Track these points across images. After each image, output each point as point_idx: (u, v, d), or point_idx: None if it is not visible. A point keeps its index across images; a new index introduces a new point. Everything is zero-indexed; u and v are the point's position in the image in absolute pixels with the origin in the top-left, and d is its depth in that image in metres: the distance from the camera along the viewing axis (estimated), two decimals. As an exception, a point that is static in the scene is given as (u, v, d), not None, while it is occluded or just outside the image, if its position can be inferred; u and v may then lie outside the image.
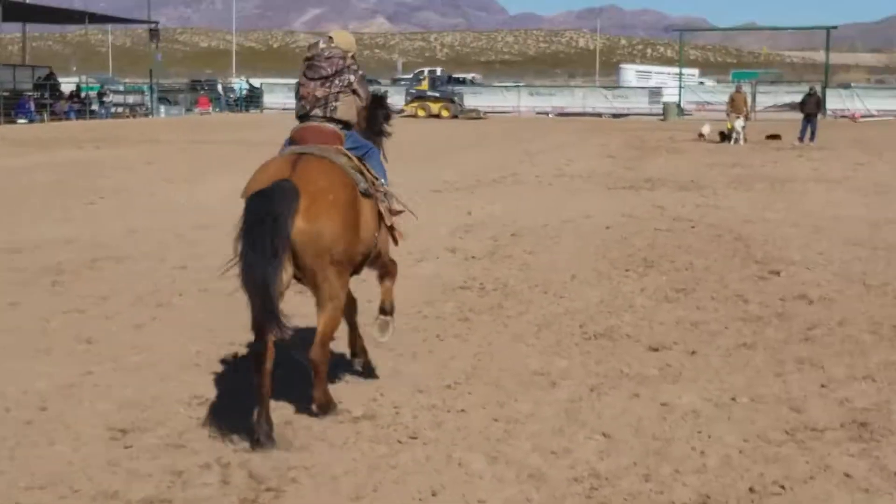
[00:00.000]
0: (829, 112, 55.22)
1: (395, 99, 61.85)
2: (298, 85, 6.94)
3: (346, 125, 6.83)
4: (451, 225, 15.07)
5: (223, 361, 7.73)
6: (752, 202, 18.15)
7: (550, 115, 60.37)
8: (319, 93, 6.77)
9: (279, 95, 65.85)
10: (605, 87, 64.54)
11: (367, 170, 6.75)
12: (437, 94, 58.24)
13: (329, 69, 6.81)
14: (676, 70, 73.90)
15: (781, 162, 27.03)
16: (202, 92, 68.32)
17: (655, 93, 60.75)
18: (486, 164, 26.12)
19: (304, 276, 6.19)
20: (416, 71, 75.61)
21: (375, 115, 7.40)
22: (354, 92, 6.89)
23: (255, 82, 75.39)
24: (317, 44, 7.09)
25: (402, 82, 70.12)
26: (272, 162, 6.47)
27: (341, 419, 6.36)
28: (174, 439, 6.05)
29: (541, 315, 9.30)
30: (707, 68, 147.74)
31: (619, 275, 11.21)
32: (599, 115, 60.08)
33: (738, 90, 38.09)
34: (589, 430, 6.18)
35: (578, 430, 6.16)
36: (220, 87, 71.41)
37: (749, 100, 40.18)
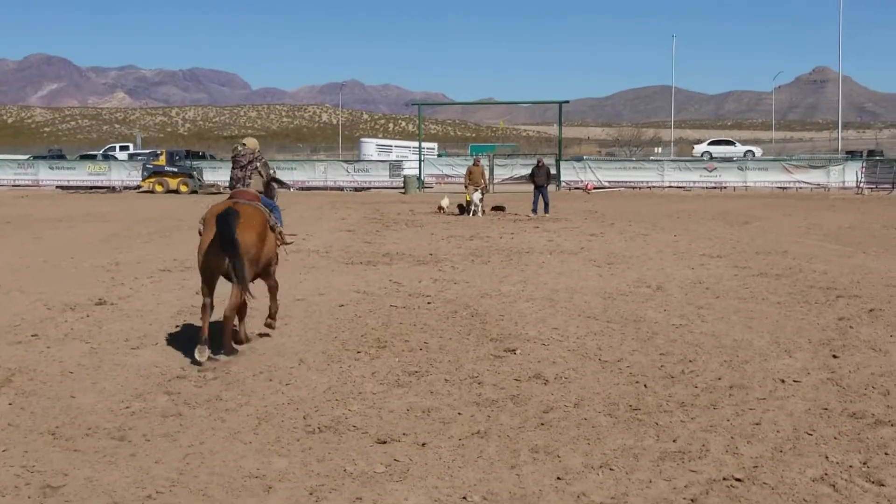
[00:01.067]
0: (563, 184, 56.81)
1: (133, 175, 60.20)
2: (231, 170, 11.88)
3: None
4: (176, 306, 14.12)
5: None
6: (489, 275, 17.90)
7: (292, 189, 59.64)
8: (240, 174, 11.69)
9: (8, 172, 62.79)
10: (346, 161, 64.32)
11: (271, 215, 11.33)
12: (175, 170, 56.64)
13: (244, 161, 11.76)
14: (416, 144, 74.74)
15: (518, 234, 27.18)
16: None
17: (396, 166, 60.98)
18: (221, 240, 25.10)
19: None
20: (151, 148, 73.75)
21: (271, 185, 12.23)
22: (258, 173, 11.82)
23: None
24: (236, 147, 12.07)
25: (140, 157, 67.99)
26: (220, 203, 10.92)
27: None
28: None
29: (262, 406, 8.53)
30: (447, 142, 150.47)
31: (350, 357, 10.56)
32: (341, 188, 59.82)
33: (475, 163, 38.39)
34: (303, 545, 5.44)
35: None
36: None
37: (486, 172, 40.44)
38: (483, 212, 36.16)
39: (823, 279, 16.92)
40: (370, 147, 75.63)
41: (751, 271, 18.20)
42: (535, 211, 35.75)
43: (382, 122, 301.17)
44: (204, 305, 10.63)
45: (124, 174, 61.72)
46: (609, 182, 57.88)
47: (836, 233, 27.12)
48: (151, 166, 57.22)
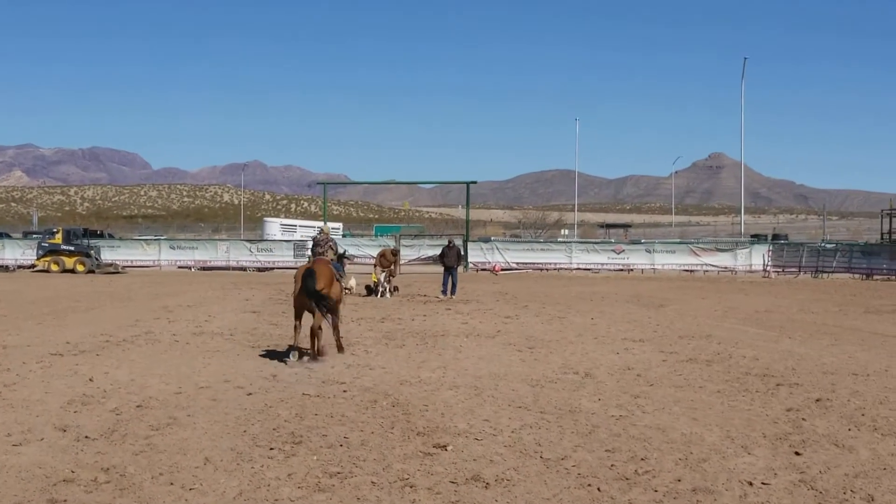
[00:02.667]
0: (470, 265, 56.12)
1: (28, 254, 58.02)
2: (313, 248, 18.84)
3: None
4: (66, 396, 12.76)
5: None
6: (405, 360, 16.82)
7: (193, 269, 58.07)
8: (319, 250, 18.29)
9: None
10: (249, 241, 62.83)
11: (338, 272, 17.47)
12: (72, 248, 54.65)
13: (322, 241, 18.47)
14: (320, 224, 73.60)
15: (431, 316, 26.15)
16: None
17: (301, 246, 59.67)
18: (118, 321, 23.70)
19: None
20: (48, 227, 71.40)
21: (340, 256, 20.02)
22: (330, 248, 18.41)
23: None
24: (320, 232, 19.09)
25: (34, 236, 65.69)
26: (308, 263, 17.32)
27: None
28: None
29: (162, 518, 7.32)
30: (350, 222, 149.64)
31: (263, 455, 9.39)
32: (244, 268, 58.31)
33: (393, 252, 37.35)
34: None
35: None
36: None
37: (398, 254, 39.37)
38: (391, 292, 35.12)
39: (756, 366, 16.17)
40: (274, 227, 74.20)
41: (679, 357, 17.40)
42: (444, 292, 34.78)
43: (284, 202, 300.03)
44: (294, 327, 17.24)
45: (18, 252, 59.53)
46: (517, 263, 57.28)
47: (754, 317, 26.60)
48: (47, 244, 55.15)
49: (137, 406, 12.05)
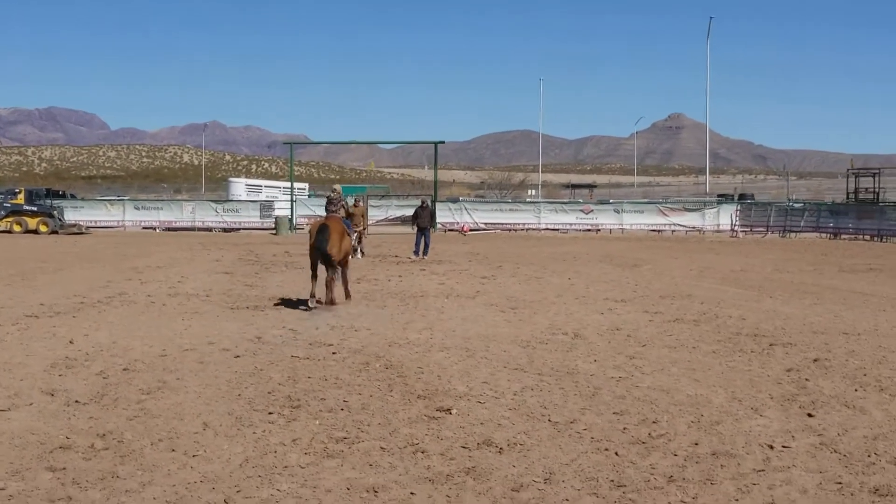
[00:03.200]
0: (439, 225, 55.81)
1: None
2: (326, 206, 20.72)
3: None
4: (47, 359, 12.39)
5: None
6: (389, 321, 16.54)
7: (158, 230, 57.35)
8: (332, 208, 20.35)
9: None
10: (214, 201, 62.03)
11: (347, 227, 19.80)
12: (35, 209, 53.76)
13: (335, 201, 20.74)
14: (286, 184, 72.96)
15: (406, 277, 25.86)
16: None
17: (267, 206, 59.05)
18: (90, 282, 23.26)
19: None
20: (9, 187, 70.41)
21: (348, 214, 26.62)
22: (342, 207, 21.25)
23: None
24: (333, 191, 21.78)
25: (-4, 195, 64.63)
26: (322, 219, 19.80)
27: None
28: None
29: (170, 487, 7.05)
30: (312, 183, 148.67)
31: (262, 420, 9.10)
32: (210, 229, 57.62)
33: (355, 203, 36.99)
34: None
35: None
36: None
37: (367, 213, 38.99)
38: (363, 253, 34.72)
39: (745, 325, 16.02)
40: (239, 187, 73.28)
41: (664, 317, 17.22)
42: (416, 253, 34.47)
43: (245, 163, 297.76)
44: (311, 276, 19.03)
45: (-22, 213, 58.56)
46: (485, 224, 57.02)
47: (730, 276, 26.51)
48: (9, 205, 54.18)
49: (124, 369, 11.70)
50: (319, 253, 18.47)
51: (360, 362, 12.31)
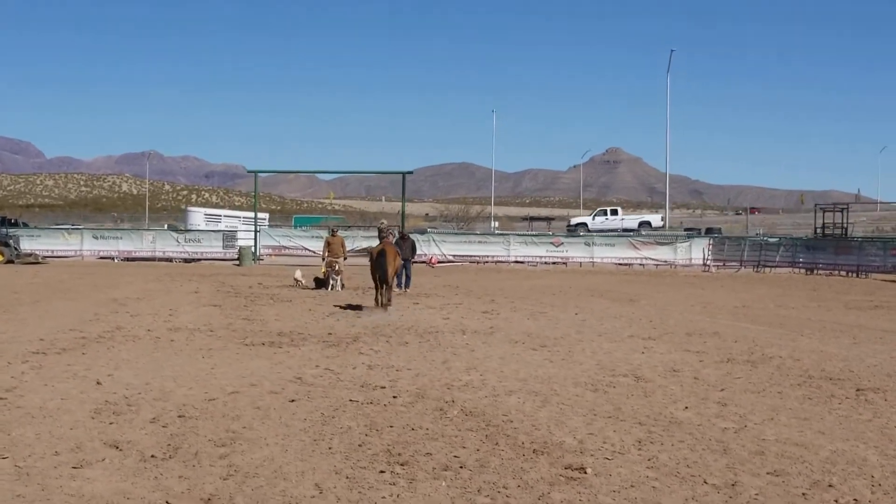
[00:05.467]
0: (405, 257, 54.65)
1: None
2: (378, 234, 27.95)
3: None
4: (86, 403, 11.11)
5: None
6: (422, 360, 15.39)
7: (116, 260, 55.46)
8: (383, 235, 26.90)
9: None
10: (176, 231, 60.21)
11: (398, 251, 27.13)
12: (-10, 238, 51.77)
13: (385, 230, 27.47)
14: (246, 214, 71.47)
15: (404, 311, 24.55)
16: None
17: (230, 237, 57.33)
18: (76, 315, 21.84)
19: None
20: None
21: (399, 241, 33.07)
22: (391, 233, 27.80)
23: None
24: (383, 223, 29.36)
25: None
26: (379, 245, 25.69)
27: None
28: None
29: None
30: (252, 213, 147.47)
31: (378, 480, 7.97)
32: (170, 259, 55.81)
33: (332, 233, 35.84)
34: None
35: None
36: None
37: (345, 244, 37.47)
38: (343, 285, 33.47)
39: (808, 367, 15.12)
40: (198, 216, 71.42)
41: (713, 357, 16.26)
42: (399, 286, 33.29)
43: (185, 192, 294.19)
44: (375, 287, 25.28)
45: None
46: (454, 256, 55.87)
47: (738, 312, 25.69)
48: (-38, 235, 52.17)
49: (179, 416, 10.46)
50: (381, 271, 24.53)
51: (433, 408, 11.17)
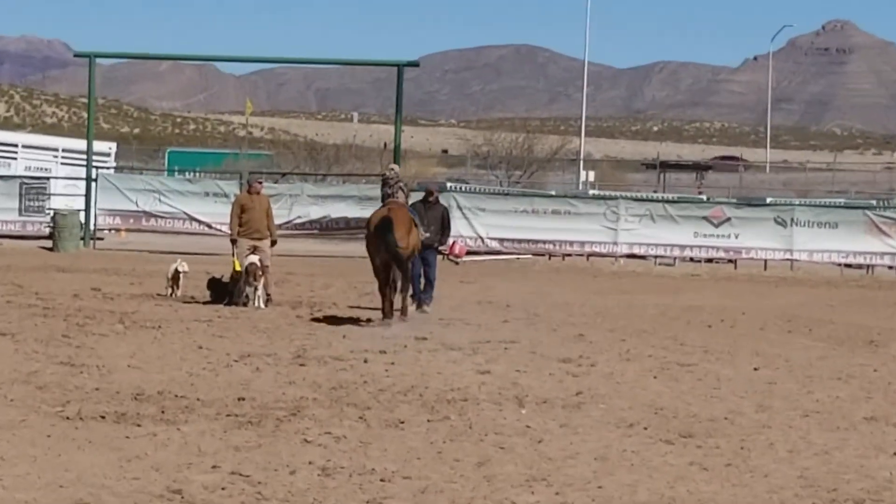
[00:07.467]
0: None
1: None
2: (382, 188, 37.07)
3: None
4: None
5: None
6: (439, 461, 15.51)
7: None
8: (388, 192, 35.60)
9: None
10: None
11: (413, 217, 35.31)
12: None
13: (391, 182, 35.89)
14: (67, 143, 71.77)
15: (395, 354, 24.91)
16: None
17: (35, 191, 57.55)
18: None
19: None
20: None
21: (420, 204, 39.68)
22: (401, 190, 35.93)
23: None
24: (392, 170, 38.36)
25: None
26: (382, 209, 34.56)
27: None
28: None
29: None
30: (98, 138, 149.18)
31: None
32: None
33: (250, 189, 35.78)
34: None
35: None
36: None
37: (271, 211, 37.21)
38: (269, 298, 33.58)
39: None
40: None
41: None
42: (416, 296, 33.62)
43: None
44: (382, 287, 31.60)
45: None
46: (500, 240, 55.89)
47: None
48: None
49: None
50: (389, 254, 30.23)
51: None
